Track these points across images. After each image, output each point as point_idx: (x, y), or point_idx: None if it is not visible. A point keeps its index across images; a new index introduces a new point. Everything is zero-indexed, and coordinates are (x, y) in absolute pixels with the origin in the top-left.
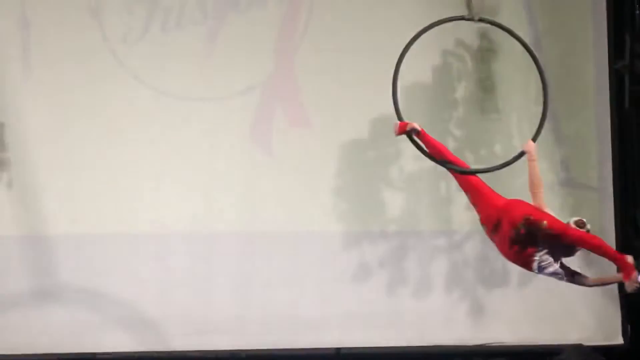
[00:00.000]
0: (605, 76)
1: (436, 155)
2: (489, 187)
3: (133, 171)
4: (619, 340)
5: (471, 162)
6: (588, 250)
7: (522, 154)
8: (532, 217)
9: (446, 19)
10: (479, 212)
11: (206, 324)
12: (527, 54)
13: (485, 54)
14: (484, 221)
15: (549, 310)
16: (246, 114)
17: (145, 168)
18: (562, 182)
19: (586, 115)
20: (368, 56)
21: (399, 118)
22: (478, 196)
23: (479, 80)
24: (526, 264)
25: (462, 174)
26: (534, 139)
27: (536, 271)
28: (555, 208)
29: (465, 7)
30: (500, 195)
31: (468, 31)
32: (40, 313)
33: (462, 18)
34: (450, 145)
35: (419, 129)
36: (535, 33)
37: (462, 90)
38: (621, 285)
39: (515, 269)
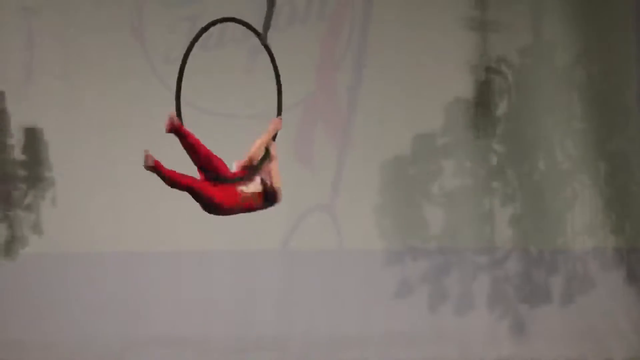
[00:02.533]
0: None
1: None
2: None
3: (174, 190)
4: None
5: (513, 179)
6: None
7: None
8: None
9: (245, 23)
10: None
11: (248, 342)
12: (569, 70)
13: (526, 70)
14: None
15: (594, 328)
16: (288, 131)
17: None
18: (606, 198)
19: (630, 131)
20: (409, 72)
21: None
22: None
23: (521, 97)
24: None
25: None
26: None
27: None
28: (596, 224)
29: None
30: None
31: (509, 48)
32: (85, 329)
33: (257, 34)
34: (493, 161)
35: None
36: (577, 50)
37: (504, 107)
38: None
39: (557, 287)
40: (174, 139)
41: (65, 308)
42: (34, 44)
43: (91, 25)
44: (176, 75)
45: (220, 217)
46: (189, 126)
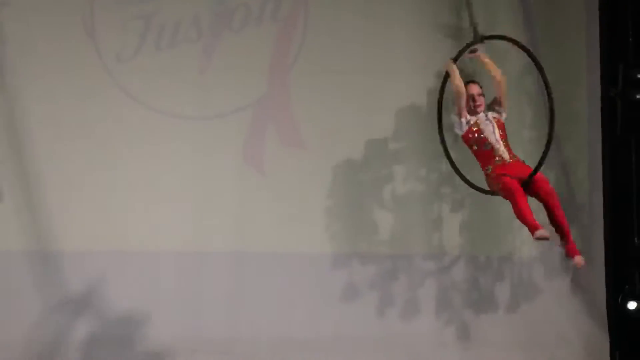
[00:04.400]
0: (598, 103)
1: None
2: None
3: (124, 189)
4: None
5: (461, 184)
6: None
7: None
8: None
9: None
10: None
11: (195, 344)
12: (520, 78)
13: (477, 78)
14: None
15: (539, 335)
16: (239, 133)
17: (136, 186)
18: None
19: (578, 142)
20: (362, 77)
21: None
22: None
23: None
24: None
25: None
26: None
27: None
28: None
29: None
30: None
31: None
32: (32, 328)
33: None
34: (444, 167)
35: None
36: (529, 59)
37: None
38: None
39: (503, 294)
40: (122, 136)
41: (13, 307)
42: None
43: (41, 22)
44: (128, 73)
45: (168, 217)
46: (139, 126)
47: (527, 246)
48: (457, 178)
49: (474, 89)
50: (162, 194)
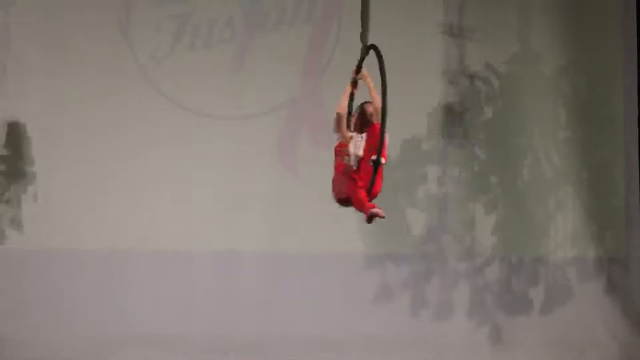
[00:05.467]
0: (635, 104)
1: None
2: None
3: (158, 188)
4: None
5: (495, 185)
6: None
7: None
8: None
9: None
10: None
11: (228, 343)
12: (555, 78)
13: (512, 78)
14: None
15: (572, 339)
16: (272, 133)
17: (170, 185)
18: (588, 209)
19: (614, 143)
20: (396, 77)
21: None
22: None
23: (506, 105)
24: None
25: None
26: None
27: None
28: (578, 234)
29: None
30: None
31: (496, 55)
32: (63, 327)
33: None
34: (476, 168)
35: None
36: (564, 60)
37: (489, 114)
38: None
39: (536, 296)
40: (155, 136)
41: (44, 305)
42: (12, 38)
43: (78, 21)
44: (163, 73)
45: (201, 216)
46: (172, 125)
47: (561, 248)
48: (491, 179)
49: (370, 109)
50: (195, 193)
